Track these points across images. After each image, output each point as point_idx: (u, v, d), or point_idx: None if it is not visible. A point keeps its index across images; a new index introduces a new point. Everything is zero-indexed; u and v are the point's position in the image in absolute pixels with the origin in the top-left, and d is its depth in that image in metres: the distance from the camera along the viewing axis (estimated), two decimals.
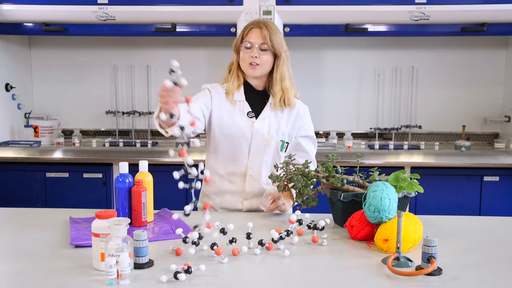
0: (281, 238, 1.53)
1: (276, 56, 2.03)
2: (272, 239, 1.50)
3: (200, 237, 1.49)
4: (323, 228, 1.61)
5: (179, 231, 1.54)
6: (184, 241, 1.50)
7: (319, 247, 1.56)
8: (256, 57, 1.98)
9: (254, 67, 2.00)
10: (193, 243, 1.47)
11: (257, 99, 2.07)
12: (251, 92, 2.08)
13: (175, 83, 1.44)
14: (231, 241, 1.48)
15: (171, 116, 1.51)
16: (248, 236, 1.52)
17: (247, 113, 2.05)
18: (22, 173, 3.38)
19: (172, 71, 1.44)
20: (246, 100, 2.06)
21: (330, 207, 1.82)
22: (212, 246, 1.45)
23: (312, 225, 1.63)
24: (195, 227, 1.51)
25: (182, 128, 1.50)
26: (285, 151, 2.08)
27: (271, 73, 2.05)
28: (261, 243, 1.50)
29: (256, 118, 2.05)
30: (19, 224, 1.81)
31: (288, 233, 1.56)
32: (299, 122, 2.10)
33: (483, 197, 3.30)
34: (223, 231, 1.51)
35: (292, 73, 2.11)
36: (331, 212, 1.83)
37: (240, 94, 2.06)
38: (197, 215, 1.82)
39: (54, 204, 3.35)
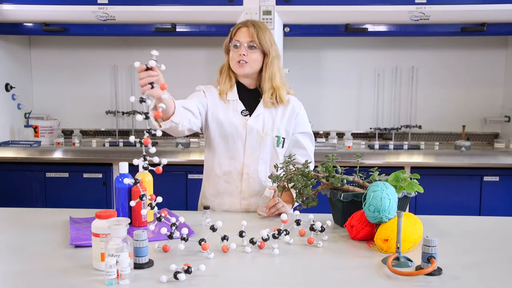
0: (273, 237, 1.54)
1: (265, 55, 2.03)
2: (262, 238, 1.51)
3: (186, 239, 1.50)
4: (323, 229, 1.61)
5: (164, 230, 1.53)
6: (170, 237, 1.50)
7: (320, 247, 1.56)
8: (244, 55, 1.99)
9: (242, 65, 2.01)
10: (183, 238, 1.48)
11: (250, 98, 2.08)
12: (243, 91, 2.09)
13: (149, 68, 1.60)
14: (223, 239, 1.49)
15: (141, 100, 1.57)
16: (241, 234, 1.52)
17: (241, 112, 2.06)
18: (22, 173, 3.38)
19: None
20: (240, 99, 2.07)
21: (330, 207, 1.82)
22: (200, 241, 1.46)
23: (310, 226, 1.63)
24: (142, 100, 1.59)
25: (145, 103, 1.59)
26: (282, 147, 2.08)
27: (261, 71, 2.06)
28: (252, 241, 1.51)
29: (250, 116, 2.06)
30: (19, 224, 1.81)
31: (280, 232, 1.56)
32: (295, 119, 2.10)
33: (483, 197, 3.30)
34: (212, 228, 1.53)
35: (284, 71, 2.11)
36: (331, 212, 1.83)
37: (233, 94, 2.07)
38: (197, 215, 1.82)
39: (54, 204, 3.36)
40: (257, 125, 2.04)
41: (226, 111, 2.05)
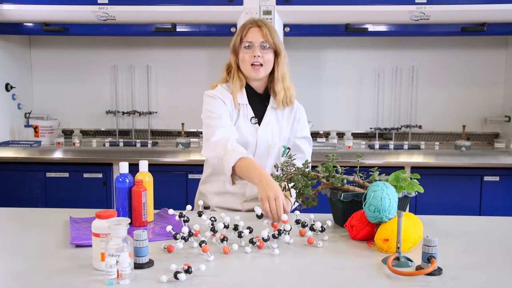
0: (273, 237, 1.54)
1: (276, 54, 1.99)
2: (262, 238, 1.51)
3: (190, 234, 1.51)
4: (323, 229, 1.61)
5: (169, 228, 1.54)
6: (175, 237, 1.51)
7: (320, 247, 1.56)
8: (258, 56, 1.94)
9: (257, 69, 1.95)
10: (183, 238, 1.49)
11: (258, 102, 2.05)
12: (252, 95, 2.04)
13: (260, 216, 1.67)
14: (222, 240, 1.49)
15: (260, 216, 1.64)
16: (240, 235, 1.53)
17: (251, 119, 2.02)
18: (22, 173, 3.38)
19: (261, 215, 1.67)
20: (249, 103, 2.03)
21: (330, 207, 1.82)
22: (201, 243, 1.46)
23: (310, 226, 1.63)
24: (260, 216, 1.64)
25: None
26: (286, 156, 2.07)
27: (271, 72, 2.01)
28: (251, 241, 1.51)
29: (259, 123, 2.03)
30: (19, 224, 1.81)
31: (280, 232, 1.56)
32: (296, 125, 2.09)
33: (483, 197, 3.30)
34: (213, 230, 1.53)
35: (290, 71, 2.09)
36: (331, 212, 1.83)
37: (243, 97, 2.02)
38: (197, 215, 1.82)
39: (54, 204, 3.36)
40: (267, 135, 2.02)
41: (237, 117, 2.01)
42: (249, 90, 2.04)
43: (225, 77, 2.07)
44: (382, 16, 3.26)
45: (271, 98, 2.05)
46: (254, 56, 1.94)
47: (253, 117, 2.03)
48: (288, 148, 2.05)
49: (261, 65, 1.96)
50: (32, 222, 1.83)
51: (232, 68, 2.05)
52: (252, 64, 1.95)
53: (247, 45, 1.96)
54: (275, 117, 2.05)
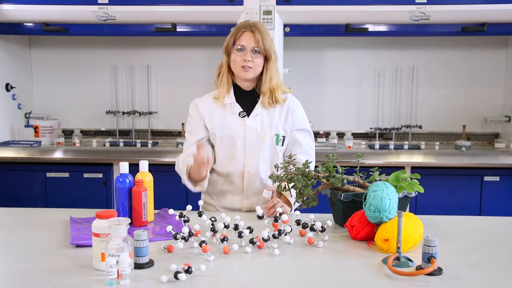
0: (274, 237, 1.54)
1: (266, 59, 2.04)
2: (263, 238, 1.51)
3: (190, 234, 1.51)
4: (324, 229, 1.61)
5: (169, 228, 1.54)
6: (175, 237, 1.51)
7: (320, 247, 1.56)
8: (249, 60, 1.99)
9: (246, 70, 2.01)
10: (183, 238, 1.49)
11: (247, 99, 2.09)
12: (240, 94, 2.09)
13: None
14: (222, 240, 1.49)
15: (261, 216, 1.66)
16: (240, 235, 1.53)
17: (239, 113, 2.07)
18: (22, 173, 3.38)
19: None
20: (237, 101, 2.08)
21: (330, 207, 1.82)
22: (201, 243, 1.46)
23: (310, 226, 1.63)
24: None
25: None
26: (282, 145, 2.08)
27: (260, 74, 2.06)
28: (252, 241, 1.51)
29: (248, 116, 2.06)
30: (19, 224, 1.81)
31: (280, 232, 1.56)
32: (291, 117, 2.11)
33: (483, 197, 3.30)
34: (213, 230, 1.54)
35: (284, 71, 2.12)
36: (331, 212, 1.83)
37: (230, 97, 2.08)
38: (197, 215, 1.82)
39: (54, 204, 3.36)
40: (256, 125, 2.05)
41: (224, 114, 2.06)
42: (237, 90, 2.10)
43: (215, 80, 2.14)
44: (382, 16, 3.26)
45: (261, 95, 2.09)
46: (245, 60, 2.00)
47: (241, 111, 2.07)
48: (283, 136, 2.07)
49: (251, 67, 2.01)
50: (32, 222, 1.83)
51: (222, 69, 2.11)
52: (242, 66, 2.01)
53: (239, 47, 2.01)
54: (266, 109, 2.08)
